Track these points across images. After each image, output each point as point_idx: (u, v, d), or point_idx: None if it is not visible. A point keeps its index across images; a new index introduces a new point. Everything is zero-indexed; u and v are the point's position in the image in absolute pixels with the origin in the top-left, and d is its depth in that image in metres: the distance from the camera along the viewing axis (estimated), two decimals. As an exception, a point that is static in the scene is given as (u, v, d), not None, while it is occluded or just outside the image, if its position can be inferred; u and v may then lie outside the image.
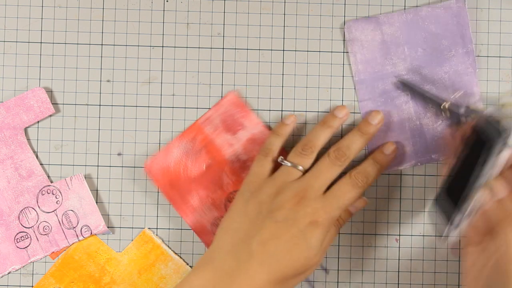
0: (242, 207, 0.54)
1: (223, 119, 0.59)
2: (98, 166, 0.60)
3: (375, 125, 0.57)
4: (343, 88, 0.60)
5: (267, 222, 0.52)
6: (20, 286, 0.59)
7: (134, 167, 0.60)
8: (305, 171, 0.55)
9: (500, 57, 0.60)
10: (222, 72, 0.60)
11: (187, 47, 0.60)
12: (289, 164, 0.55)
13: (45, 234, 0.59)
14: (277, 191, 0.54)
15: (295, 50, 0.60)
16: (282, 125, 0.58)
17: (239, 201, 0.55)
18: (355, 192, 0.54)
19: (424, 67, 0.60)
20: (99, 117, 0.60)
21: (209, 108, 0.60)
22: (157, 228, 0.60)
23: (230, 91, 0.59)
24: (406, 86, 0.59)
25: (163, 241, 0.60)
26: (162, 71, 0.60)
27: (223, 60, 0.60)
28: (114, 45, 0.60)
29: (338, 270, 0.60)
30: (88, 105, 0.60)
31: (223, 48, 0.60)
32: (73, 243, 0.59)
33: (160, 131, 0.60)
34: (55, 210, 0.59)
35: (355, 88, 0.60)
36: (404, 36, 0.60)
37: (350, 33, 0.60)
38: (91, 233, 0.59)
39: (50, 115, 0.60)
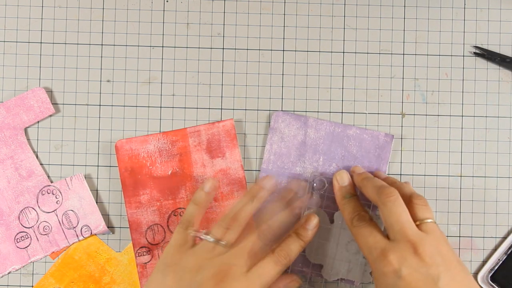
0: (160, 279, 0.51)
1: (210, 139, 0.59)
2: (98, 166, 0.60)
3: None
4: (343, 88, 0.60)
5: None
6: (20, 286, 0.59)
7: (134, 167, 0.60)
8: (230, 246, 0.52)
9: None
10: (222, 72, 0.60)
11: (187, 47, 0.60)
12: (211, 239, 0.52)
13: (45, 234, 0.59)
14: (198, 267, 0.50)
15: (295, 50, 0.60)
16: (202, 194, 0.56)
17: (157, 274, 0.51)
18: (278, 269, 0.52)
19: (331, 183, 0.58)
20: (99, 117, 0.60)
21: (208, 108, 0.60)
22: (157, 228, 0.60)
23: (230, 118, 0.59)
24: (482, 55, 0.60)
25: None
26: (162, 71, 0.60)
27: (223, 60, 0.60)
28: (114, 45, 0.60)
29: (338, 270, 0.60)
30: (88, 105, 0.60)
31: (223, 48, 0.60)
32: (73, 243, 0.59)
33: (160, 131, 0.60)
34: (55, 210, 0.59)
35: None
36: (325, 146, 0.59)
37: (276, 122, 0.59)
38: (91, 233, 0.59)
39: (50, 115, 0.60)
